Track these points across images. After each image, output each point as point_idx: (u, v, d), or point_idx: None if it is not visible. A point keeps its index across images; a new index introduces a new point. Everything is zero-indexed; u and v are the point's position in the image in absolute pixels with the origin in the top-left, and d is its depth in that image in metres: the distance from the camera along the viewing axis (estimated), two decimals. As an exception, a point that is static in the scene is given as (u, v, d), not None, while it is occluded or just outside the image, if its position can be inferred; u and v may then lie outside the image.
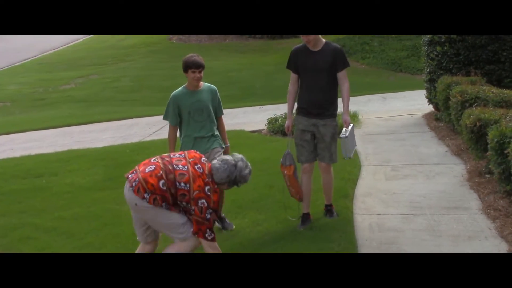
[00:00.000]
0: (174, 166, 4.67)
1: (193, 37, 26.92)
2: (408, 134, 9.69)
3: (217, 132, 6.16)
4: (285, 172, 6.02)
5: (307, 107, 6.05)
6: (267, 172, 7.76)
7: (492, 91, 7.72)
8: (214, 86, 6.21)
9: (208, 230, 4.66)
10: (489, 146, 6.19)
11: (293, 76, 6.17)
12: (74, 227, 6.71)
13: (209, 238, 4.67)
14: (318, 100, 6.01)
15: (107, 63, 22.97)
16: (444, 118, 9.55)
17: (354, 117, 10.85)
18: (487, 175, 7.03)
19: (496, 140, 5.97)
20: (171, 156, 4.82)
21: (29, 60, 25.59)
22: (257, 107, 13.10)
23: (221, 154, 5.98)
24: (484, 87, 8.01)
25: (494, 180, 6.67)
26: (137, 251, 5.05)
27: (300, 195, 6.11)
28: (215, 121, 6.15)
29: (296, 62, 6.08)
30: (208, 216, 4.63)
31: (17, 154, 10.65)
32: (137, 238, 5.03)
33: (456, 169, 7.64)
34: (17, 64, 24.77)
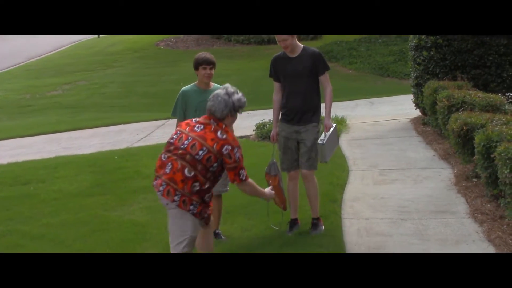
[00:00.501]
0: (182, 147, 4.61)
1: (180, 43, 26.91)
2: (395, 138, 9.73)
3: None
4: (270, 181, 5.93)
5: (289, 113, 6.02)
6: (256, 178, 7.64)
7: (479, 96, 7.77)
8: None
9: (240, 170, 4.70)
10: (475, 150, 6.23)
11: (276, 85, 6.15)
12: (62, 234, 6.67)
13: (243, 178, 4.74)
14: (298, 106, 5.97)
15: (95, 69, 22.90)
16: (431, 122, 9.60)
17: (342, 122, 10.89)
18: (474, 179, 7.07)
19: (482, 144, 6.01)
20: (173, 142, 4.73)
21: (16, 66, 25.48)
22: (245, 113, 13.11)
23: None
24: (471, 92, 8.06)
25: (481, 184, 6.71)
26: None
27: (284, 204, 6.02)
28: None
29: (276, 69, 6.06)
30: (237, 155, 4.64)
31: (5, 161, 10.58)
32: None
33: (443, 173, 7.68)
34: (4, 70, 24.65)
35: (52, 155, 10.82)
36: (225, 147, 4.60)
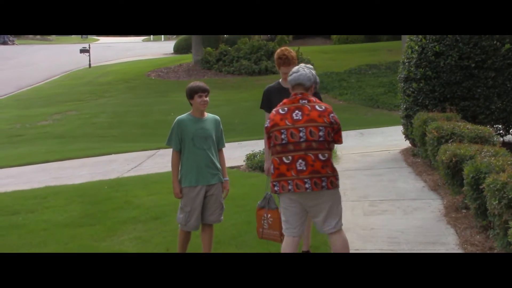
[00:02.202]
0: (302, 140, 4.76)
1: (172, 74, 27.10)
2: (385, 169, 9.76)
3: (218, 164, 6.02)
4: (269, 215, 5.85)
5: None
6: (246, 208, 7.76)
7: (467, 127, 7.83)
8: (218, 117, 6.13)
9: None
10: (465, 181, 6.26)
11: (268, 116, 5.96)
12: (51, 264, 6.61)
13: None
14: None
15: (85, 99, 22.95)
16: (421, 153, 9.64)
17: (332, 153, 10.90)
18: (463, 210, 7.09)
19: (471, 175, 6.04)
20: (287, 141, 4.81)
21: (6, 96, 25.50)
22: (236, 143, 13.15)
23: (221, 191, 5.99)
24: (460, 123, 8.12)
25: (470, 215, 6.73)
26: (285, 246, 5.07)
27: (283, 237, 6.00)
28: (217, 152, 6.05)
29: (271, 100, 5.96)
30: (337, 117, 4.95)
31: (-7, 191, 10.54)
32: (289, 233, 5.06)
33: (433, 204, 7.70)
34: (-6, 100, 24.68)
35: (42, 185, 10.78)
36: (331, 115, 4.86)
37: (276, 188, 4.90)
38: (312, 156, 4.73)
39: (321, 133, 4.75)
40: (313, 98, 4.92)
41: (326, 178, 4.76)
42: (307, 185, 4.73)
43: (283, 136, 4.81)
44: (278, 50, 5.95)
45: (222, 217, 6.09)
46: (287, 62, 5.82)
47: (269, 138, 5.00)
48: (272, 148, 4.95)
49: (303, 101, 4.86)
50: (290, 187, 4.80)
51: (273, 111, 5.01)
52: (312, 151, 4.74)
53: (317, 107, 4.82)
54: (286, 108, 4.89)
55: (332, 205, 4.93)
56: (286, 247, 5.07)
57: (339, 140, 5.00)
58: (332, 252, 5.14)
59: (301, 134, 4.75)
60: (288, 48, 6.03)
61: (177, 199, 6.00)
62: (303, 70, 4.96)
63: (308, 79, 4.92)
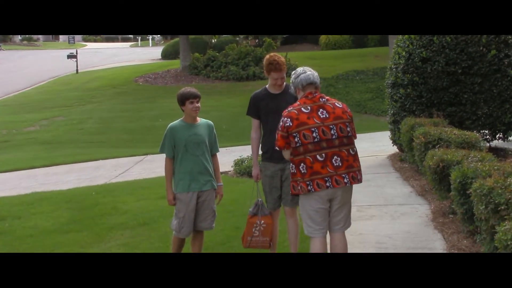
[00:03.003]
0: (334, 137, 4.93)
1: (159, 79, 27.06)
2: (373, 175, 9.78)
3: (211, 170, 5.99)
4: (262, 221, 5.86)
5: (272, 151, 5.81)
6: (235, 214, 7.75)
7: (454, 133, 7.86)
8: (211, 122, 6.09)
9: None
10: (452, 186, 6.28)
11: (255, 122, 6.04)
12: (37, 271, 6.56)
13: None
14: None
15: (73, 105, 22.86)
16: (408, 159, 9.68)
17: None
18: (450, 215, 7.12)
19: (458, 180, 6.06)
20: (319, 139, 4.91)
21: (-8, 102, 25.35)
22: (224, 149, 13.14)
23: (214, 197, 5.98)
24: (446, 129, 8.16)
25: (457, 220, 6.76)
26: (319, 246, 5.10)
27: (272, 242, 6.00)
28: (210, 157, 6.01)
29: (258, 106, 5.95)
30: None
31: (-21, 197, 10.46)
32: (319, 234, 5.10)
33: (420, 209, 7.73)
34: (-20, 106, 24.51)
35: (28, 191, 10.72)
36: (348, 110, 5.12)
37: (309, 187, 4.92)
38: (345, 152, 4.95)
39: (348, 129, 4.99)
40: (327, 96, 5.10)
41: (358, 172, 5.04)
42: (345, 180, 4.94)
43: (314, 134, 4.90)
44: (268, 56, 5.94)
45: (214, 224, 6.06)
46: (278, 67, 5.80)
47: (286, 138, 5.02)
48: (298, 148, 4.97)
49: (323, 99, 5.03)
50: (328, 183, 4.89)
51: (293, 110, 5.03)
52: (345, 147, 4.95)
53: (336, 104, 5.03)
54: (309, 107, 4.99)
55: (350, 201, 5.20)
56: (320, 247, 5.11)
57: (354, 135, 5.17)
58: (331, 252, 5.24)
59: (332, 132, 4.90)
60: (277, 54, 6.03)
61: (168, 205, 6.00)
62: (309, 70, 5.15)
63: (317, 78, 5.12)
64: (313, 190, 4.91)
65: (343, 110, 5.02)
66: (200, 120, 5.98)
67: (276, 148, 5.18)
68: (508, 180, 5.23)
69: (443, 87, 9.75)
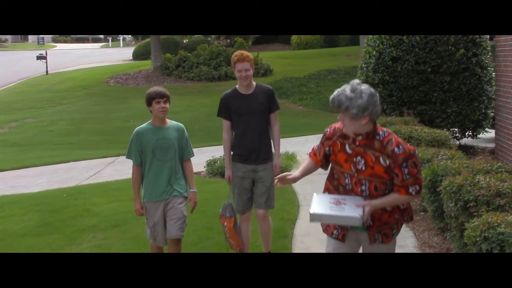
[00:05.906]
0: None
1: (130, 80, 26.92)
2: (345, 173, 9.83)
3: (181, 176, 5.67)
4: (225, 223, 5.82)
5: (245, 152, 5.82)
6: (206, 214, 7.73)
7: (425, 131, 7.95)
8: (181, 124, 5.72)
9: None
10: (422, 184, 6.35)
11: (226, 124, 5.91)
12: (8, 275, 6.48)
13: None
14: (255, 144, 5.79)
15: (43, 107, 22.60)
16: (379, 157, 9.75)
17: (292, 158, 10.97)
18: (421, 213, 7.20)
19: (429, 178, 6.13)
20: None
21: (-40, 104, 24.95)
22: (196, 149, 13.07)
23: (182, 203, 5.57)
24: (417, 127, 8.25)
25: (428, 217, 6.83)
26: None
27: (240, 247, 5.91)
28: (181, 162, 5.68)
29: (229, 108, 5.83)
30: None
31: None
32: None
33: (392, 207, 7.78)
34: None
35: (-2, 194, 10.58)
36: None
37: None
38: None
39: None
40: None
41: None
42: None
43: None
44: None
45: (183, 233, 5.65)
46: (241, 58, 5.68)
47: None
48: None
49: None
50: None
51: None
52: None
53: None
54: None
55: None
56: None
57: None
58: None
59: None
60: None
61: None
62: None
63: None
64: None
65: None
66: (169, 122, 5.63)
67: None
68: (477, 177, 5.32)
69: (413, 85, 9.86)
